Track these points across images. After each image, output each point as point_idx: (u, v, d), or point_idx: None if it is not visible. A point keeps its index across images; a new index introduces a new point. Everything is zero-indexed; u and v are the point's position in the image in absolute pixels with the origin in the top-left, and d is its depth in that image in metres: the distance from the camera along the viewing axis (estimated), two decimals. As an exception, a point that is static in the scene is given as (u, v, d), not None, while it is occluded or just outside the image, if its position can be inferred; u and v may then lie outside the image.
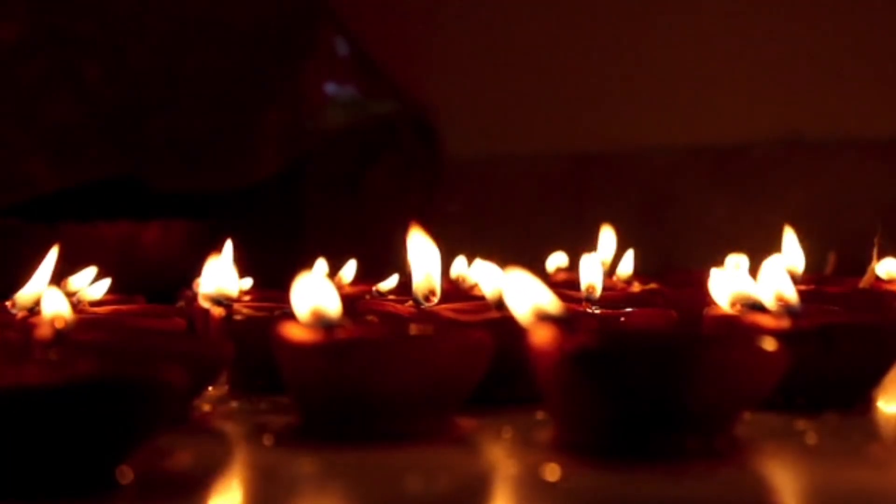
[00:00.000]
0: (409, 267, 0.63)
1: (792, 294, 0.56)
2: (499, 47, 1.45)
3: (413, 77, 1.38)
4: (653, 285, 0.78)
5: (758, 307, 0.56)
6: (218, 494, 0.43)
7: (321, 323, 0.51)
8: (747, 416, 0.50)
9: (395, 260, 0.75)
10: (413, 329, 0.55)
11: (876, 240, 0.74)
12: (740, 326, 0.56)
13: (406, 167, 1.32)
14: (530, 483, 0.42)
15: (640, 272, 0.86)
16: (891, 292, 0.73)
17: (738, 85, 1.35)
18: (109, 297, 0.75)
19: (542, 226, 1.39)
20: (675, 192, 1.37)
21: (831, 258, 0.92)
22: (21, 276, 0.67)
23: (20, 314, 0.65)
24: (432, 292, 0.62)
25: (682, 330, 0.64)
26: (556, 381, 0.46)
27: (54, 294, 0.57)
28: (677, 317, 0.64)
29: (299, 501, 0.41)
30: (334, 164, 1.27)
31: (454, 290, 0.79)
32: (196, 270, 0.73)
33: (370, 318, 0.61)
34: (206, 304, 0.65)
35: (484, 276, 0.60)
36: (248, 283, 0.77)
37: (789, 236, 0.78)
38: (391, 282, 0.77)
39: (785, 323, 0.54)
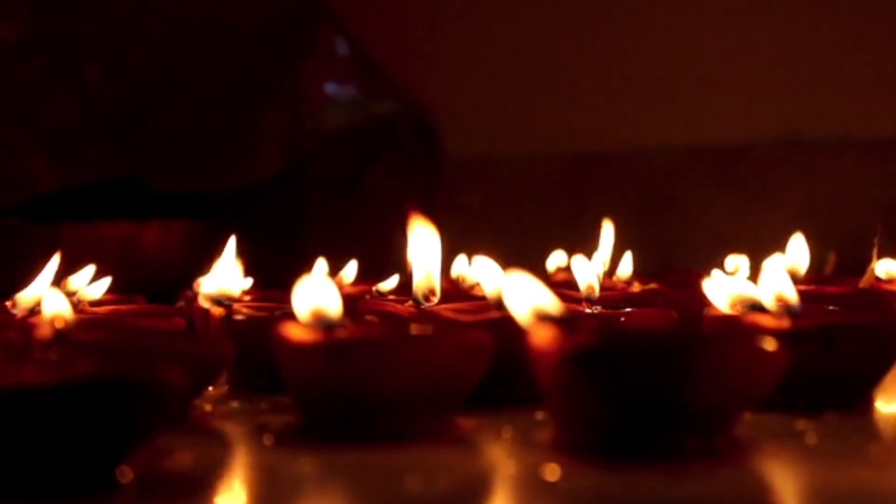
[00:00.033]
0: (409, 266, 0.63)
1: (792, 294, 0.56)
2: (499, 47, 1.45)
3: (413, 77, 1.38)
4: (653, 285, 0.78)
5: (758, 307, 0.56)
6: (218, 494, 0.43)
7: (321, 323, 0.51)
8: (747, 416, 0.50)
9: (396, 260, 0.75)
10: (413, 329, 0.55)
11: (876, 240, 0.74)
12: (740, 326, 0.56)
13: (406, 167, 1.32)
14: (530, 483, 0.42)
15: (640, 272, 0.86)
16: (891, 292, 0.73)
17: (738, 85, 1.35)
18: (109, 297, 0.75)
19: (542, 226, 1.39)
20: (675, 192, 1.37)
21: (831, 258, 0.92)
22: (21, 276, 0.67)
23: (20, 314, 0.65)
24: (432, 292, 0.62)
25: (682, 330, 0.64)
26: (556, 381, 0.46)
27: (55, 294, 0.57)
28: (677, 317, 0.64)
29: (299, 501, 0.41)
30: (334, 164, 1.27)
31: (454, 290, 0.79)
32: (196, 270, 0.73)
33: (370, 318, 0.61)
34: (206, 304, 0.65)
35: (484, 274, 0.60)
36: (248, 283, 0.77)
37: (797, 238, 0.78)
38: (391, 282, 0.77)
39: (785, 323, 0.54)
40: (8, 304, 0.67)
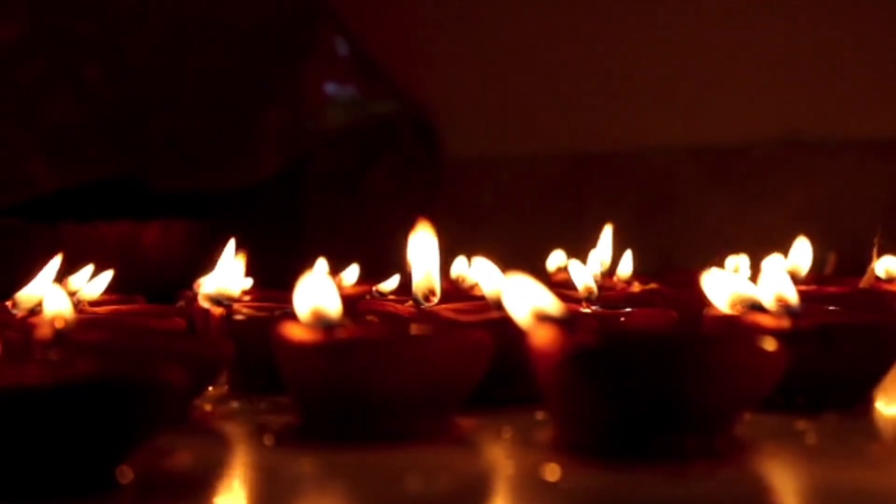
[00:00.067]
0: (409, 267, 0.63)
1: (792, 294, 0.56)
2: (499, 47, 1.45)
3: (413, 77, 1.38)
4: (653, 285, 0.78)
5: (757, 307, 0.56)
6: (218, 494, 0.43)
7: (321, 323, 0.51)
8: (747, 416, 0.50)
9: (396, 260, 0.75)
10: (413, 329, 0.55)
11: (876, 240, 0.74)
12: (740, 326, 0.56)
13: (406, 167, 1.32)
14: (530, 483, 0.42)
15: (640, 272, 0.86)
16: (891, 292, 0.73)
17: (738, 85, 1.35)
18: (109, 297, 0.75)
19: (542, 226, 1.39)
20: (675, 192, 1.37)
21: (831, 258, 0.92)
22: (21, 276, 0.67)
23: (20, 314, 0.65)
24: (432, 292, 0.62)
25: (682, 330, 0.64)
26: (556, 381, 0.46)
27: (57, 292, 0.57)
28: (677, 317, 0.64)
29: (299, 501, 0.41)
30: (334, 164, 1.27)
31: (454, 290, 0.79)
32: (196, 270, 0.73)
33: (370, 318, 0.61)
34: (206, 304, 0.65)
35: (484, 275, 0.60)
36: (248, 283, 0.77)
37: (801, 241, 0.78)
38: (392, 282, 0.77)
39: (785, 323, 0.54)
40: (8, 304, 0.67)
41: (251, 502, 0.42)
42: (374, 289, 0.76)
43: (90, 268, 0.74)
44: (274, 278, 0.73)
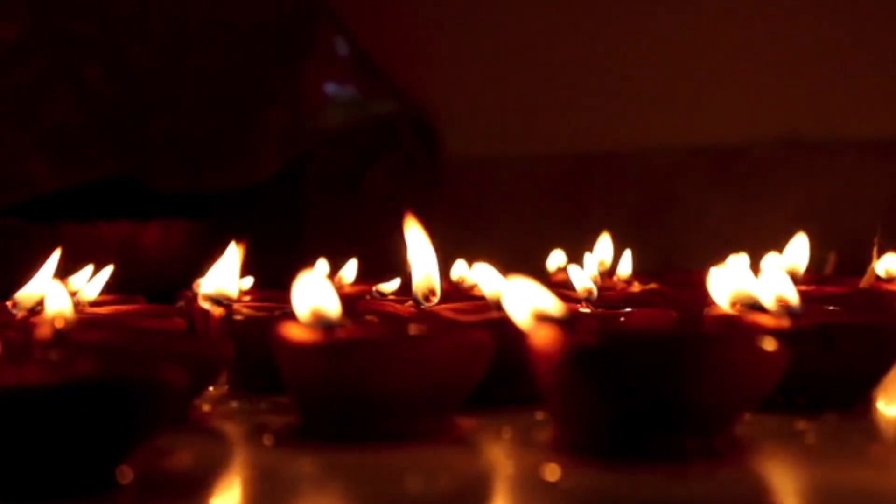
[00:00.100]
0: (409, 267, 0.63)
1: (792, 294, 0.56)
2: (499, 47, 1.45)
3: (413, 77, 1.38)
4: (653, 285, 0.78)
5: (757, 307, 0.56)
6: (218, 494, 0.43)
7: (321, 323, 0.51)
8: (747, 416, 0.50)
9: (396, 260, 0.75)
10: (413, 329, 0.55)
11: (876, 240, 0.74)
12: (740, 326, 0.56)
13: (406, 167, 1.32)
14: (530, 483, 0.42)
15: (640, 272, 0.86)
16: (891, 292, 0.73)
17: (738, 85, 1.35)
18: (109, 297, 0.75)
19: (542, 226, 1.39)
20: (675, 192, 1.37)
21: (831, 258, 0.92)
22: (21, 276, 0.67)
23: (20, 314, 0.65)
24: (432, 292, 0.62)
25: (682, 330, 0.64)
26: (556, 381, 0.46)
27: (58, 291, 0.57)
28: (677, 317, 0.64)
29: (299, 501, 0.41)
30: (334, 164, 1.27)
31: (454, 291, 0.79)
32: (196, 270, 0.73)
33: (370, 318, 0.61)
34: (206, 304, 0.65)
35: (484, 276, 0.60)
36: (248, 283, 0.77)
37: (800, 238, 0.78)
38: (393, 284, 0.77)
39: (785, 323, 0.54)
40: (8, 304, 0.66)
41: (251, 502, 0.42)
42: (374, 289, 0.76)
43: (90, 268, 0.74)
44: (274, 278, 0.73)
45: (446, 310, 0.62)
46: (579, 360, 0.45)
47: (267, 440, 0.50)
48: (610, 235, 0.90)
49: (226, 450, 0.50)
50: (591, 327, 0.58)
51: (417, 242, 0.63)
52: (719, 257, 0.83)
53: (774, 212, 1.29)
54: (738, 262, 0.85)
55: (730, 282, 0.57)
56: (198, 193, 1.17)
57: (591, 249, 0.85)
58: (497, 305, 0.58)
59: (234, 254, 0.67)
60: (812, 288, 0.73)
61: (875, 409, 0.56)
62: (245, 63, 1.23)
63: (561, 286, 0.71)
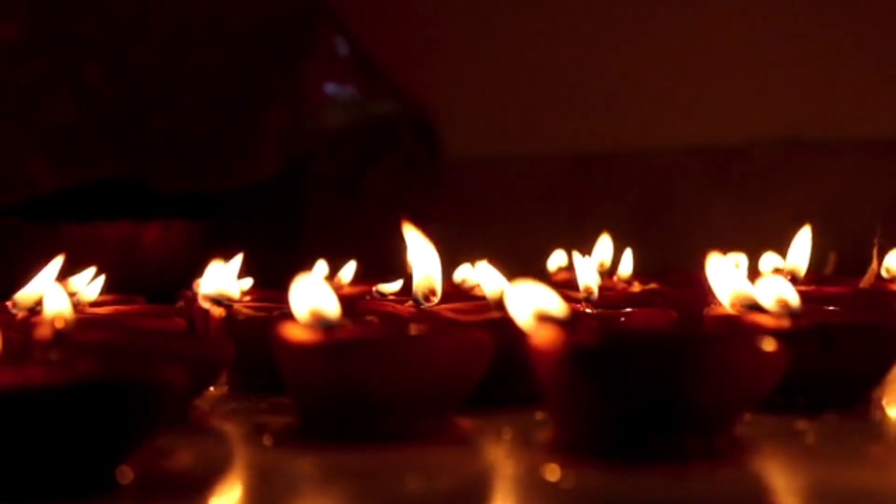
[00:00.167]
0: (409, 267, 0.63)
1: (792, 294, 0.56)
2: (499, 48, 1.45)
3: (413, 77, 1.38)
4: (653, 285, 0.78)
5: (757, 307, 0.56)
6: (218, 494, 0.43)
7: (321, 323, 0.50)
8: (747, 416, 0.50)
9: (396, 260, 0.75)
10: (413, 329, 0.55)
11: (876, 240, 0.74)
12: (740, 326, 0.56)
13: (406, 167, 1.32)
14: (530, 483, 0.42)
15: (640, 272, 0.86)
16: (891, 292, 0.73)
17: (738, 85, 1.35)
18: (109, 297, 0.75)
19: (542, 226, 1.39)
20: (675, 192, 1.37)
21: (831, 258, 0.92)
22: (21, 276, 0.67)
23: (20, 314, 0.65)
24: (432, 292, 0.62)
25: (682, 330, 0.64)
26: (556, 381, 0.46)
27: (57, 292, 0.57)
28: (677, 317, 0.64)
29: (299, 501, 0.41)
30: (334, 164, 1.27)
31: (455, 291, 0.79)
32: (196, 270, 0.73)
33: (370, 318, 0.61)
34: (206, 304, 0.65)
35: (485, 276, 0.60)
36: (248, 283, 0.77)
37: (804, 235, 0.78)
38: (396, 284, 0.76)
39: (785, 323, 0.54)
40: (8, 304, 0.66)
41: (251, 502, 0.42)
42: (374, 289, 0.76)
43: (91, 270, 0.74)
44: (274, 278, 0.73)
45: (446, 310, 0.62)
46: (579, 360, 0.45)
47: (267, 440, 0.50)
48: (610, 235, 0.90)
49: (226, 450, 0.50)
50: (591, 327, 0.58)
51: (418, 243, 0.63)
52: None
53: (774, 212, 1.29)
54: (737, 262, 0.85)
55: (728, 276, 0.57)
56: (198, 193, 1.18)
57: (590, 249, 0.85)
58: (498, 305, 0.58)
59: (236, 256, 0.68)
60: (812, 288, 0.73)
61: (875, 408, 0.56)
62: (245, 63, 1.23)
63: (561, 286, 0.71)
